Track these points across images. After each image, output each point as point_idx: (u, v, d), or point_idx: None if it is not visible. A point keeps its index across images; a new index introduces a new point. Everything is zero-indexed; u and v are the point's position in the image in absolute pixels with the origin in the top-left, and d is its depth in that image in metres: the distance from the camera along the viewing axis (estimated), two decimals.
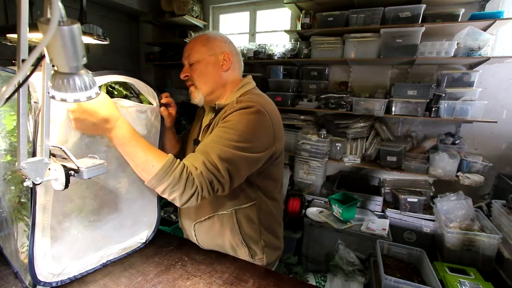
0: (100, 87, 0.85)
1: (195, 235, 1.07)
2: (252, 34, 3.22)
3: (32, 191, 0.71)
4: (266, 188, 1.02)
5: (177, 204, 0.82)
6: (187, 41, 3.59)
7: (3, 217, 0.84)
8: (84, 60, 0.54)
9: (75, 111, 0.71)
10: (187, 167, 0.80)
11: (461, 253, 1.86)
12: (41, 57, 0.53)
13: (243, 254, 1.03)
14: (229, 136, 0.83)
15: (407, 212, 2.26)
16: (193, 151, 0.98)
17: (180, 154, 1.14)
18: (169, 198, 0.81)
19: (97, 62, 2.99)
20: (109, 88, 0.89)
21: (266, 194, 1.03)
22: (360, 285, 2.02)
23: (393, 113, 2.27)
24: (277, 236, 1.12)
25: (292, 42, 2.64)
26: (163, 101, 0.97)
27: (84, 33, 0.94)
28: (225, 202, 1.00)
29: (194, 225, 1.06)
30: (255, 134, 0.86)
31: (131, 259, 0.97)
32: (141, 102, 0.97)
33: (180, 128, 3.36)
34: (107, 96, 0.78)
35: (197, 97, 1.02)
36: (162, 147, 1.01)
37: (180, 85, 3.50)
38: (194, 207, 1.05)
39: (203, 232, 1.05)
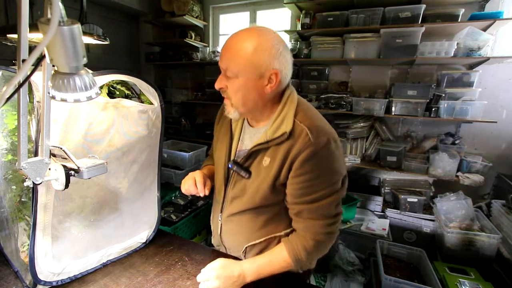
0: (101, 87, 0.86)
1: (244, 257, 0.99)
2: None
3: (34, 190, 0.71)
4: None
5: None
6: (187, 41, 3.52)
7: (4, 216, 0.84)
8: (84, 60, 0.54)
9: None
10: (310, 245, 0.84)
11: (461, 253, 1.86)
12: (41, 57, 0.53)
13: None
14: (327, 185, 0.82)
15: (407, 212, 2.26)
16: (226, 172, 0.96)
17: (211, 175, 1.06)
18: None
19: (97, 62, 2.99)
20: (110, 88, 0.89)
21: None
22: (360, 285, 2.02)
23: (393, 113, 2.27)
24: None
25: (292, 42, 2.64)
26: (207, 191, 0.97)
27: (84, 33, 0.94)
28: (282, 224, 0.93)
29: (246, 247, 0.97)
30: (340, 165, 0.84)
31: (131, 259, 0.97)
32: (142, 102, 0.97)
33: (180, 128, 3.36)
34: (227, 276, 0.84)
35: (233, 114, 0.87)
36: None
37: (180, 85, 3.50)
38: (245, 230, 0.96)
39: (255, 254, 0.97)
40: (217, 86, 0.86)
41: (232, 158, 0.94)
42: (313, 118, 0.84)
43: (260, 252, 0.96)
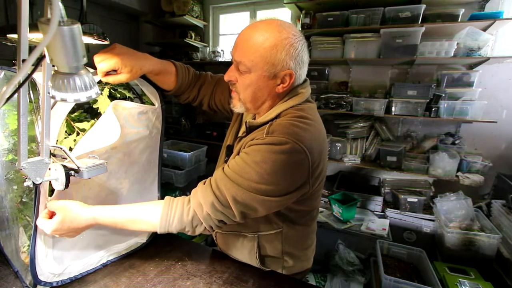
0: (103, 89, 0.86)
1: (215, 239, 1.05)
2: None
3: (36, 191, 0.71)
4: (296, 217, 0.91)
5: None
6: (187, 41, 3.53)
7: (5, 216, 0.84)
8: (85, 60, 0.54)
9: (62, 234, 0.74)
10: (189, 209, 0.74)
11: (461, 253, 1.86)
12: (41, 57, 0.53)
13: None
14: (249, 176, 0.71)
15: (407, 212, 2.26)
16: (225, 158, 0.91)
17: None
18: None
19: None
20: (111, 90, 0.89)
21: (296, 222, 0.92)
22: (360, 285, 2.02)
23: (393, 113, 2.27)
24: (303, 259, 1.01)
25: None
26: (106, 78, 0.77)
27: (84, 33, 0.94)
28: (248, 225, 0.92)
29: (216, 232, 1.02)
30: (282, 176, 0.72)
31: (131, 259, 0.97)
32: (143, 103, 0.97)
33: (180, 128, 3.36)
34: (71, 208, 0.74)
35: (239, 108, 0.86)
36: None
37: None
38: None
39: (223, 240, 1.02)
40: (226, 78, 0.82)
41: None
42: (292, 124, 0.75)
43: (227, 241, 0.99)
